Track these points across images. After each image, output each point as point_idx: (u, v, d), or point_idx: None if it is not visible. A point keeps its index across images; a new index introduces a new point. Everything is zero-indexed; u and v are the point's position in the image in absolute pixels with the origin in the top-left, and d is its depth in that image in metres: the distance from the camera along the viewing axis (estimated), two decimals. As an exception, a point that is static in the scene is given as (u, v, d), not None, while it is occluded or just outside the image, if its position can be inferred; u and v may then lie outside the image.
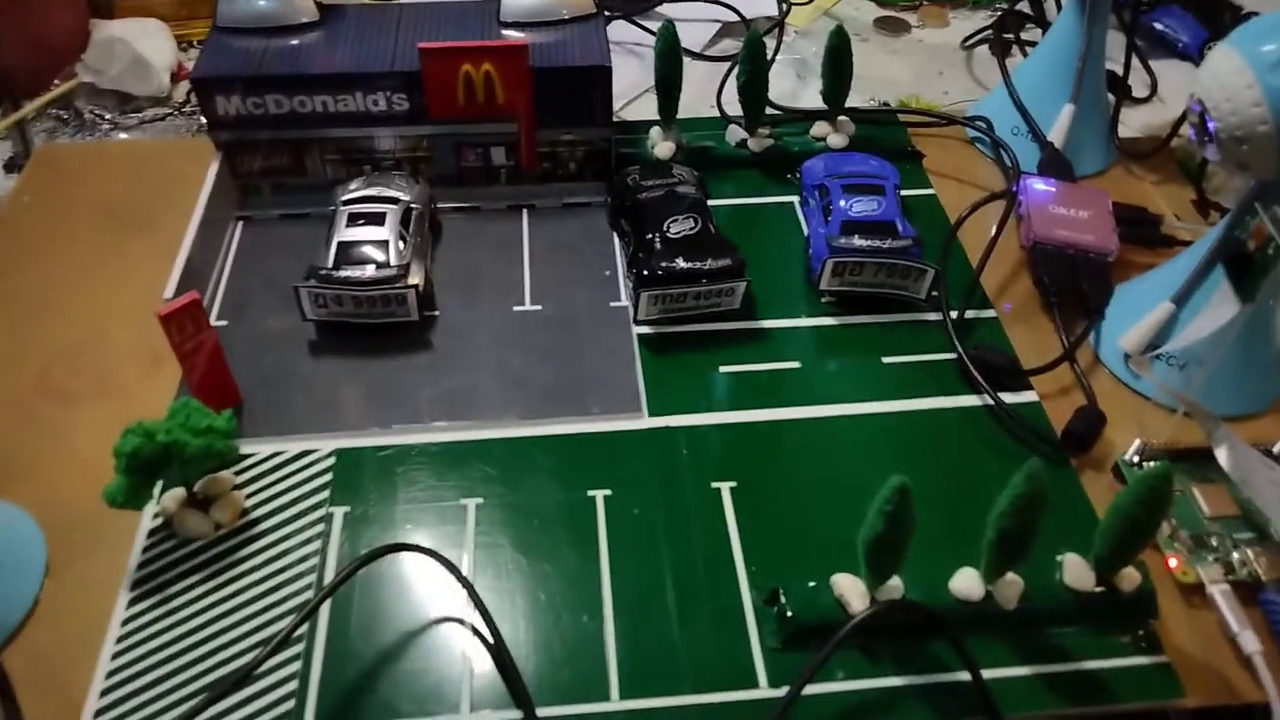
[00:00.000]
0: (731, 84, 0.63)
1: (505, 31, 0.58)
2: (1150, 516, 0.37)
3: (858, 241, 0.53)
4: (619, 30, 0.76)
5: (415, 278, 0.51)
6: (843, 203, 0.55)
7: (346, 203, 0.54)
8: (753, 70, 0.59)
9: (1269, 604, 0.41)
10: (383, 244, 0.51)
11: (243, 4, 0.57)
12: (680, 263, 0.51)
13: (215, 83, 0.54)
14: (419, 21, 0.58)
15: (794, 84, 0.75)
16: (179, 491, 0.43)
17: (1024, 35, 0.77)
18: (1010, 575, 0.40)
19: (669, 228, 0.53)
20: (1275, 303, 0.47)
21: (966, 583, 0.40)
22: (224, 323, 0.53)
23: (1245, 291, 0.41)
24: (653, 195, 0.56)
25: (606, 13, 0.73)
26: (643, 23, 0.76)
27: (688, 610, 0.41)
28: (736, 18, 0.79)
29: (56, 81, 0.71)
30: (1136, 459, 0.46)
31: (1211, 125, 0.41)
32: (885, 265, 0.53)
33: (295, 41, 0.57)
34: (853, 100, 0.63)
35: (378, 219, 0.52)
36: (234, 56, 0.55)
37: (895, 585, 0.39)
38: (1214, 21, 0.76)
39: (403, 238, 0.52)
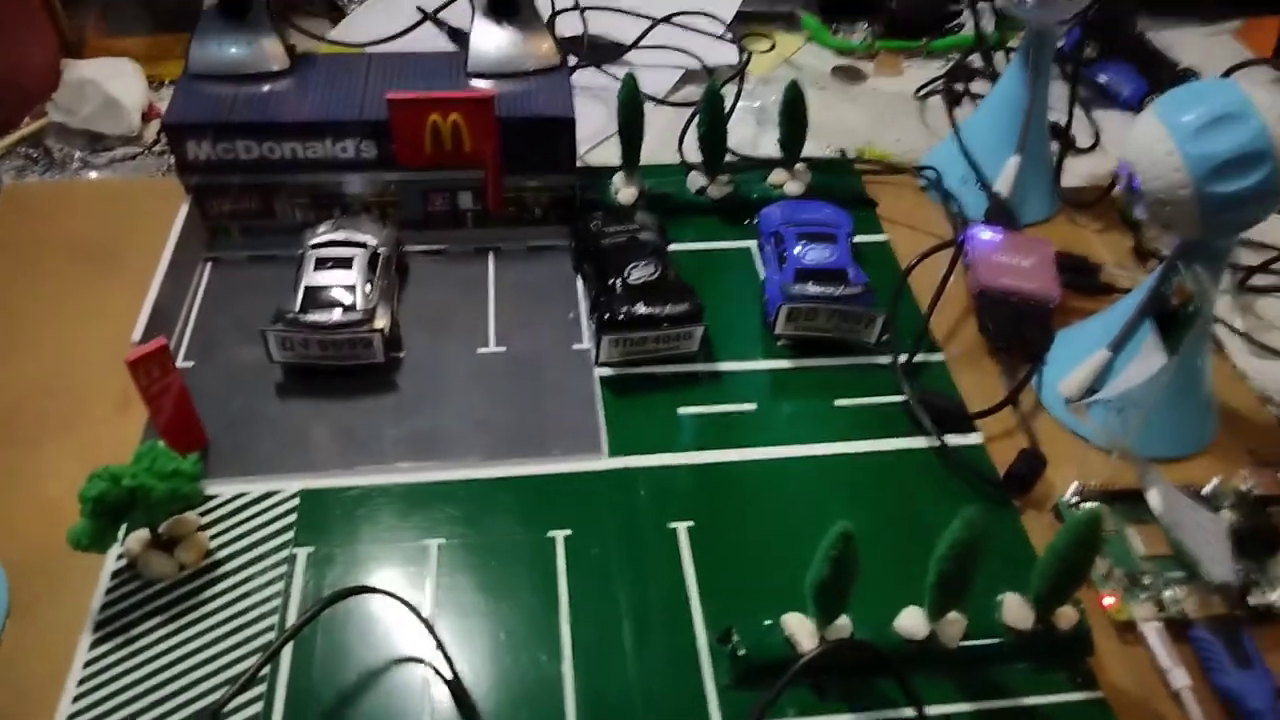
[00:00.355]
0: (693, 132, 0.65)
1: (473, 82, 0.60)
2: (1082, 557, 0.39)
3: (811, 289, 0.55)
4: (586, 76, 0.78)
5: (381, 321, 0.52)
6: (797, 250, 0.57)
7: (315, 246, 0.55)
8: (712, 120, 0.62)
9: (1199, 641, 0.43)
10: (349, 288, 0.53)
11: (215, 51, 0.58)
12: (641, 308, 0.53)
13: (186, 129, 0.55)
14: (388, 71, 0.60)
15: (754, 130, 0.77)
16: (143, 533, 0.44)
17: (974, 87, 0.80)
18: (953, 614, 0.42)
19: (630, 273, 0.55)
20: (1202, 353, 0.49)
21: (911, 621, 0.42)
22: (191, 363, 0.53)
23: (1171, 344, 0.44)
24: (615, 241, 0.58)
25: (575, 61, 0.76)
26: (609, 70, 0.79)
27: (644, 648, 0.42)
28: (699, 65, 0.81)
29: (26, 120, 0.72)
30: (1075, 500, 0.48)
31: (1137, 186, 0.44)
32: (838, 311, 0.55)
33: (266, 88, 0.58)
34: (810, 147, 0.66)
35: (345, 263, 0.54)
36: (205, 102, 0.56)
37: (843, 624, 0.41)
38: (1154, 76, 0.79)
39: (369, 281, 0.53)
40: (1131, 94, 0.80)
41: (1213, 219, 0.43)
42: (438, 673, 0.41)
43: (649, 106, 0.76)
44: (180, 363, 0.53)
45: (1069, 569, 0.39)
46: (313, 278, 0.53)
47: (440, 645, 0.41)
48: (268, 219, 0.60)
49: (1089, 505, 0.48)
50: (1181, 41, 0.89)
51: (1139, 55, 0.82)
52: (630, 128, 0.61)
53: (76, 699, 0.40)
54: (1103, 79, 0.81)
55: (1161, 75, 0.79)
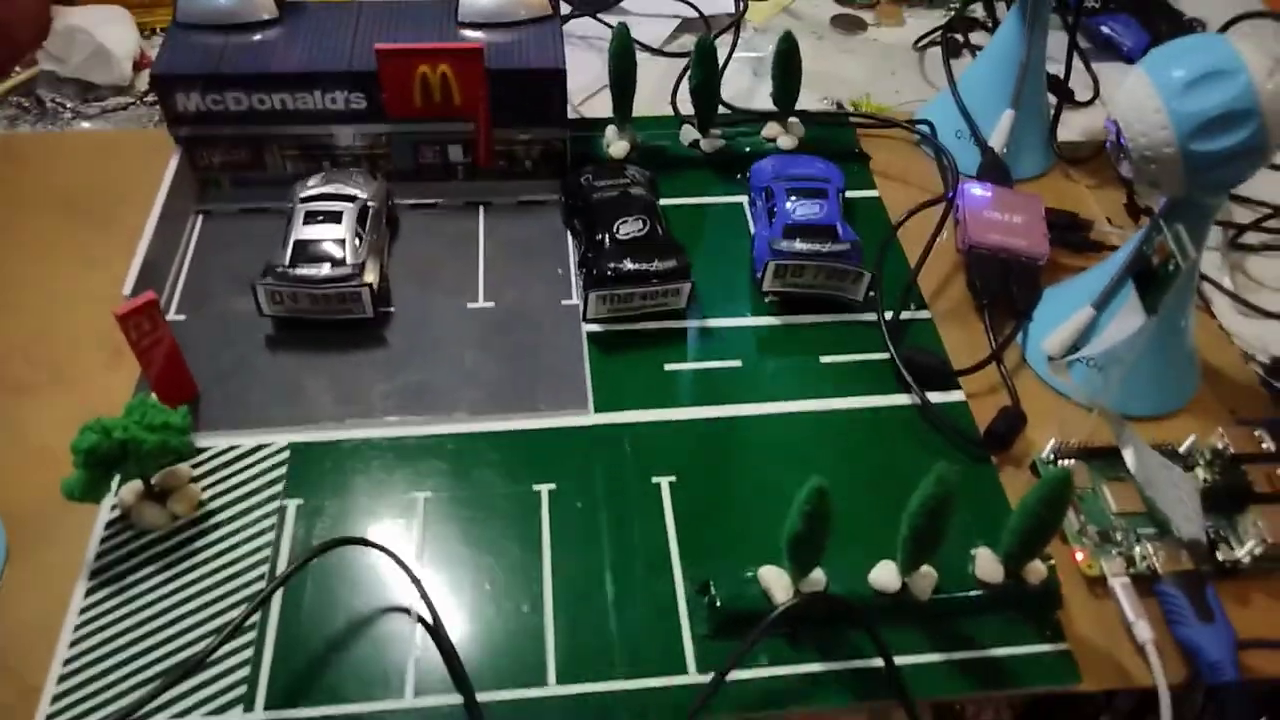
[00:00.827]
0: (686, 83, 0.64)
1: (463, 31, 0.59)
2: (1052, 515, 0.40)
3: (798, 245, 0.55)
4: (581, 25, 0.77)
5: (370, 275, 0.53)
6: (787, 205, 0.57)
7: (304, 200, 0.55)
8: (704, 75, 0.61)
9: (1164, 595, 0.44)
10: (339, 242, 0.53)
11: (203, 0, 0.58)
12: (628, 264, 0.53)
13: (175, 80, 0.55)
14: (378, 20, 0.59)
15: (750, 81, 0.76)
16: (137, 484, 0.45)
17: (974, 38, 0.79)
18: (925, 568, 0.42)
19: (619, 229, 0.55)
20: (1184, 311, 0.49)
21: (885, 575, 0.43)
22: (182, 316, 0.54)
23: (1150, 303, 0.44)
24: (605, 196, 0.58)
25: (570, 8, 0.75)
26: (604, 19, 0.77)
27: (624, 600, 0.44)
28: (696, 14, 0.80)
29: (17, 69, 0.72)
30: (1052, 457, 0.49)
31: (1125, 144, 0.44)
32: (824, 268, 0.55)
33: (255, 38, 0.58)
34: (806, 99, 0.65)
35: (335, 217, 0.54)
36: (194, 53, 0.56)
37: (818, 578, 0.42)
38: (1158, 27, 0.78)
39: (359, 236, 0.54)
40: (1134, 46, 0.79)
41: (1198, 177, 0.43)
42: (423, 622, 0.42)
43: (644, 56, 0.76)
44: (171, 315, 0.54)
45: (1038, 526, 0.40)
46: (302, 231, 0.53)
47: (425, 595, 0.42)
48: (258, 171, 0.60)
49: (1065, 463, 0.49)
50: (1188, -10, 0.87)
51: (1143, 5, 0.80)
52: (622, 81, 0.61)
53: (73, 644, 0.41)
54: (1106, 29, 0.80)
55: (1166, 26, 0.78)
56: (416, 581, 0.42)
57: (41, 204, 0.61)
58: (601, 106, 0.72)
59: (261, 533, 0.45)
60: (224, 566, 0.44)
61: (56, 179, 0.62)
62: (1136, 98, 0.42)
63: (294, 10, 0.60)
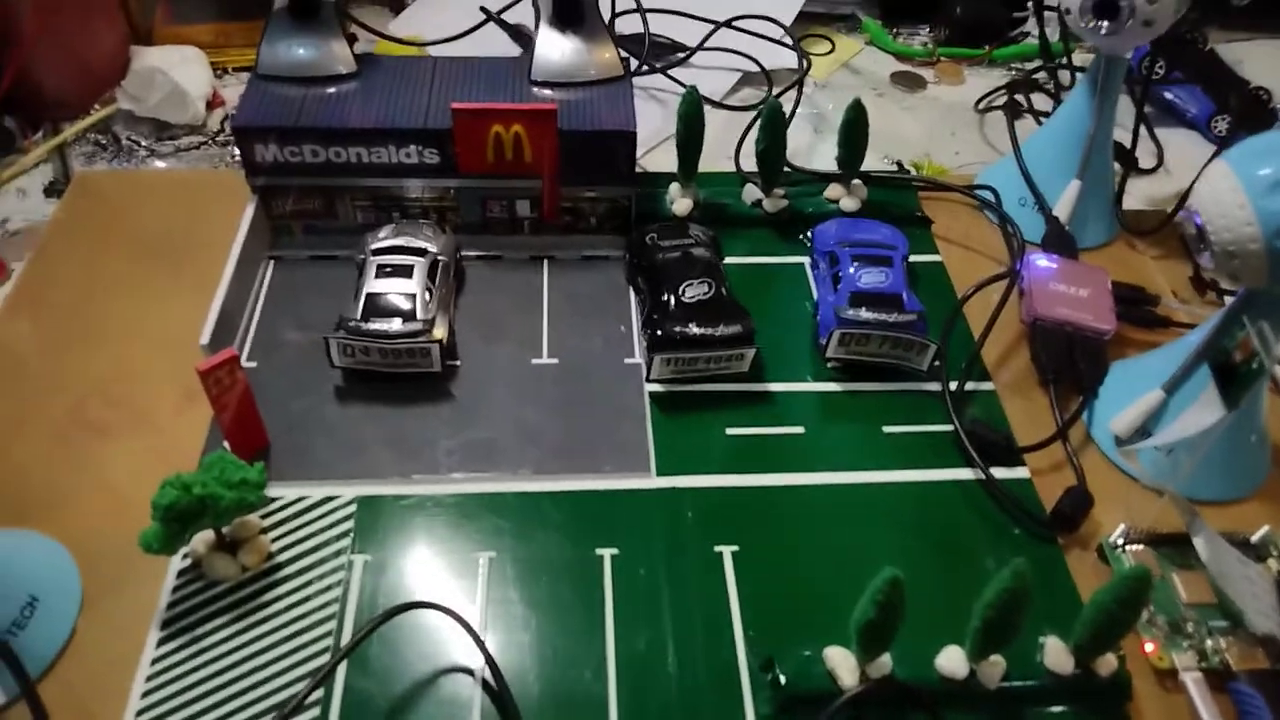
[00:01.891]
0: (750, 140, 0.65)
1: (535, 90, 0.60)
2: (1127, 614, 0.39)
3: (864, 314, 0.55)
4: (644, 78, 0.78)
5: (439, 331, 0.53)
6: (852, 271, 0.57)
7: (376, 252, 0.56)
8: (771, 138, 0.62)
9: (1239, 694, 0.43)
10: (410, 296, 0.54)
11: (283, 53, 0.59)
12: (693, 328, 0.54)
13: (255, 131, 0.56)
14: (452, 76, 0.60)
15: (811, 138, 0.77)
16: (208, 534, 0.46)
17: (1036, 101, 0.79)
18: (994, 656, 0.42)
19: (684, 291, 0.55)
20: (1259, 400, 0.49)
21: (952, 661, 0.42)
22: (254, 364, 0.55)
23: (1231, 400, 0.43)
24: (669, 256, 0.58)
25: (646, 65, 0.76)
26: (671, 73, 0.78)
27: (687, 672, 0.44)
28: (757, 68, 0.81)
29: (96, 106, 0.74)
30: (1120, 542, 0.48)
31: (1209, 237, 0.43)
32: (890, 338, 0.55)
33: (332, 91, 0.59)
34: (868, 158, 0.65)
35: (405, 271, 0.55)
36: (273, 105, 0.57)
37: (884, 661, 0.42)
38: (1223, 94, 0.78)
39: (429, 290, 0.54)
40: (1199, 113, 0.79)
41: (1281, 273, 0.42)
42: (487, 685, 0.42)
43: (705, 110, 0.76)
44: (244, 362, 0.55)
45: (1113, 623, 0.39)
46: (374, 285, 0.54)
47: (490, 660, 0.42)
48: (329, 219, 0.61)
49: (1134, 548, 0.48)
50: (1254, 56, 0.87)
51: (1208, 72, 0.80)
52: (689, 141, 0.62)
53: (145, 694, 0.42)
54: (1170, 95, 0.80)
55: (1231, 94, 0.78)
56: (482, 647, 0.43)
57: (118, 241, 0.62)
58: (663, 159, 0.73)
59: (329, 587, 0.46)
60: (292, 621, 0.44)
61: (132, 217, 0.64)
62: (1220, 192, 0.42)
63: (370, 64, 0.61)
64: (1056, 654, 0.43)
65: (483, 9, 0.73)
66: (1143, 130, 0.73)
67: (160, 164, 0.71)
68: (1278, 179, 0.41)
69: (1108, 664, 0.43)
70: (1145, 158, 0.75)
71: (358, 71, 0.60)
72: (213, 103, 0.75)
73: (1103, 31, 0.57)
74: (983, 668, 0.42)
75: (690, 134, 0.61)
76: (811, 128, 0.78)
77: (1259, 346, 0.42)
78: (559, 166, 0.58)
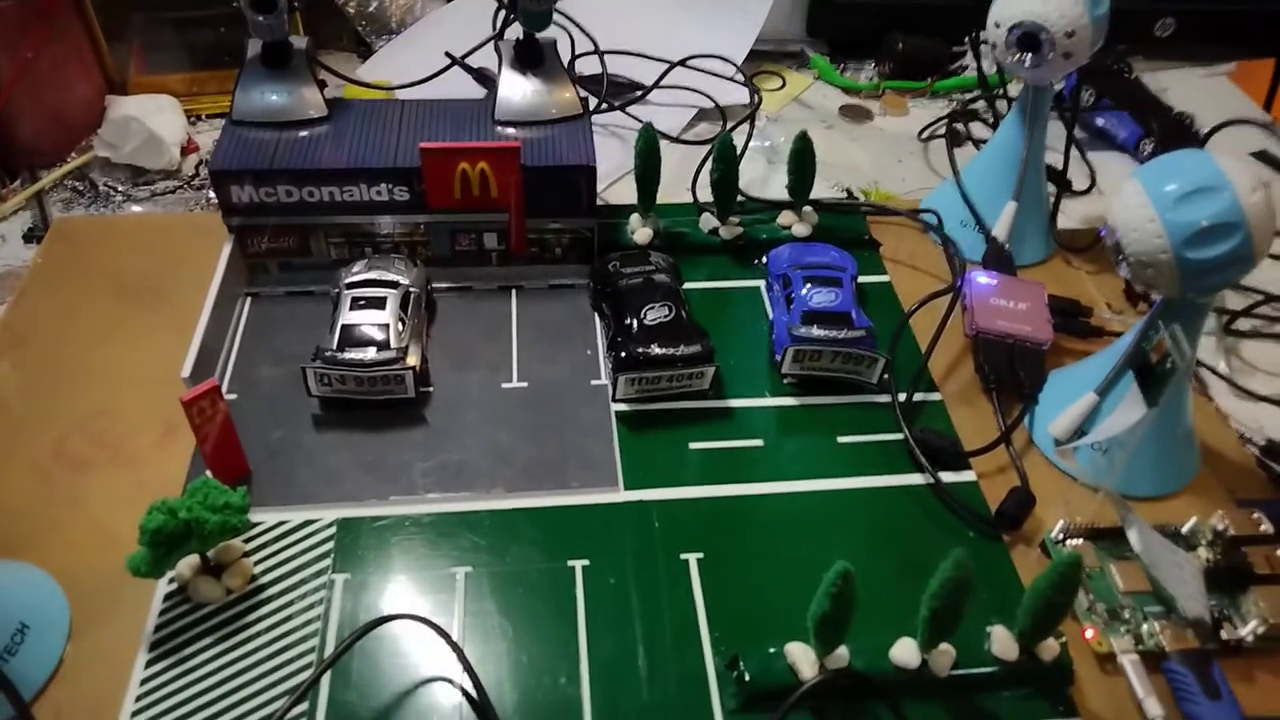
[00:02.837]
0: (706, 172, 0.68)
1: (499, 129, 0.63)
2: (1063, 598, 0.42)
3: (816, 331, 0.58)
4: (603, 115, 0.82)
5: (413, 358, 0.56)
6: (804, 292, 0.61)
7: (350, 285, 0.58)
8: (724, 169, 0.65)
9: (1172, 673, 0.46)
10: (383, 326, 0.56)
11: (257, 99, 0.62)
12: (656, 349, 0.57)
13: (231, 174, 0.59)
14: (419, 117, 0.63)
15: (764, 169, 0.81)
16: (193, 558, 0.48)
17: (974, 129, 0.84)
18: (944, 645, 0.45)
19: (646, 314, 0.58)
20: (1183, 400, 0.52)
21: (905, 652, 0.45)
22: (234, 395, 0.57)
23: (1150, 397, 0.47)
24: (631, 283, 0.61)
25: (605, 104, 0.79)
26: (630, 110, 0.82)
27: (656, 674, 0.46)
28: (711, 104, 0.84)
29: (73, 154, 0.76)
30: (1061, 537, 0.52)
31: (1123, 248, 0.47)
32: (841, 353, 0.58)
33: (304, 134, 0.61)
34: (818, 186, 0.69)
35: (379, 303, 0.57)
36: (248, 148, 0.60)
37: (842, 654, 0.44)
38: (1149, 120, 0.83)
39: (402, 320, 0.57)
40: (1128, 137, 0.83)
41: (1191, 281, 0.46)
42: (465, 694, 0.44)
43: (663, 144, 0.80)
44: (225, 395, 0.57)
45: (1050, 608, 0.42)
46: (349, 316, 0.56)
47: (468, 667, 0.44)
48: (304, 256, 0.63)
49: (1073, 543, 0.51)
50: (1178, 83, 0.92)
51: (1135, 99, 0.85)
52: (647, 175, 0.65)
53: (135, 714, 0.43)
54: (1100, 122, 0.85)
55: (1157, 120, 0.82)
56: (461, 655, 0.45)
57: (97, 284, 0.64)
58: (624, 191, 0.76)
59: (311, 606, 0.47)
60: (277, 639, 0.46)
61: (109, 260, 0.66)
62: (1132, 207, 0.46)
63: (341, 108, 0.64)
64: (1003, 642, 0.45)
65: (447, 54, 0.76)
66: (1076, 154, 0.78)
67: (137, 208, 0.73)
68: (1182, 194, 0.45)
69: (1050, 649, 0.45)
70: (1079, 179, 0.79)
71: (329, 115, 0.63)
72: (187, 148, 0.77)
73: (1026, 64, 0.62)
74: (934, 657, 0.45)
75: (647, 167, 0.65)
76: (765, 159, 0.82)
77: (1172, 348, 0.46)
78: (524, 201, 0.61)
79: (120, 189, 0.74)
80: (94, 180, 0.74)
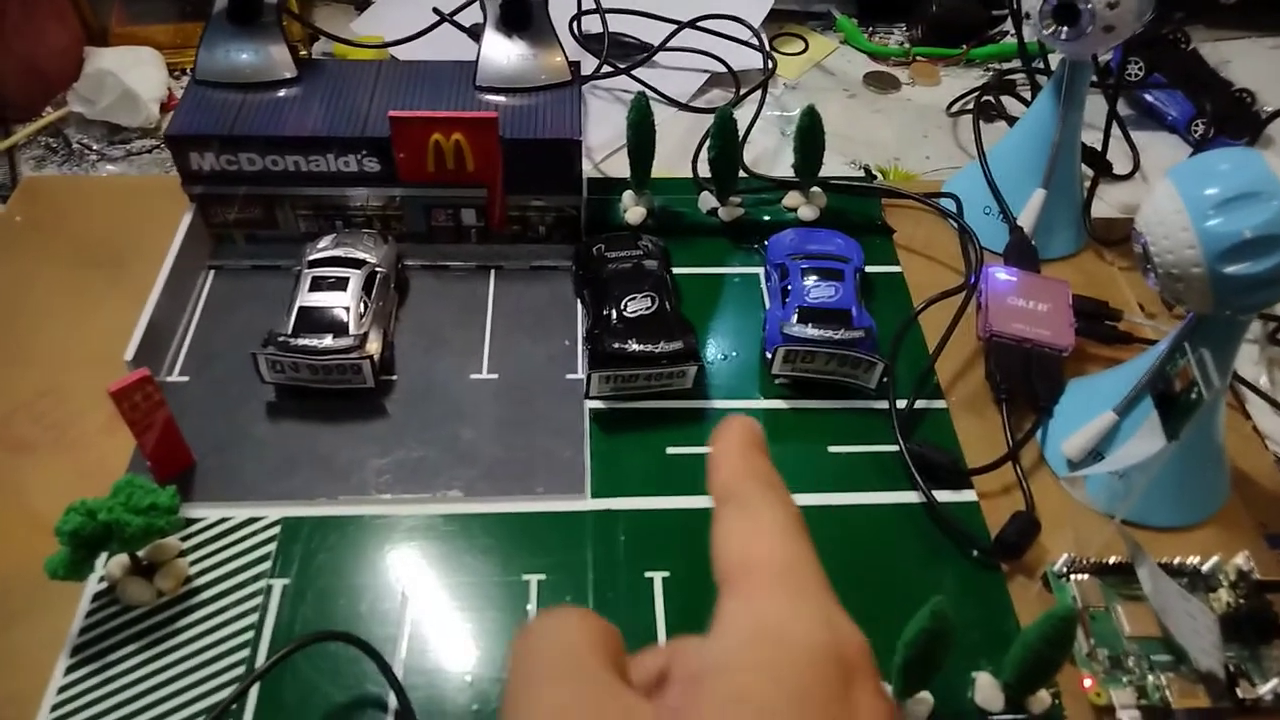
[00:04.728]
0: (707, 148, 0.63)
1: (480, 96, 0.59)
2: (1054, 653, 0.38)
3: (810, 331, 0.53)
4: (609, 79, 0.76)
5: (373, 346, 0.52)
6: (802, 285, 0.56)
7: (313, 264, 0.55)
8: (723, 145, 0.60)
9: (1177, 733, 0.42)
10: (344, 310, 0.52)
11: (222, 57, 0.58)
12: (633, 344, 0.52)
13: (191, 140, 0.55)
14: (396, 81, 0.59)
15: (777, 141, 0.75)
16: (124, 557, 0.45)
17: (1010, 107, 0.77)
18: (922, 693, 0.41)
19: (626, 306, 0.54)
20: (1212, 428, 0.47)
21: (878, 698, 0.41)
22: (186, 378, 0.54)
23: (1171, 429, 0.42)
24: (617, 269, 0.57)
25: (608, 64, 0.74)
26: (636, 74, 0.76)
27: (607, 705, 0.42)
28: (725, 69, 0.79)
29: (48, 109, 0.72)
30: (1065, 571, 0.47)
31: (1152, 257, 0.42)
32: (836, 355, 0.53)
33: (272, 96, 0.57)
34: (833, 162, 0.63)
35: (341, 284, 0.53)
36: (210, 112, 0.56)
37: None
38: (1204, 97, 0.75)
39: (364, 303, 0.53)
40: (1179, 116, 0.77)
41: (1227, 299, 0.41)
42: (399, 717, 0.41)
43: (670, 112, 0.75)
44: (175, 377, 0.54)
45: (1041, 662, 0.38)
46: (307, 298, 0.53)
47: (401, 693, 0.41)
48: (271, 228, 0.59)
49: (1079, 578, 0.47)
50: (1241, 55, 0.84)
51: (1189, 74, 0.77)
52: (640, 149, 0.60)
53: (49, 724, 0.41)
54: (1150, 99, 0.78)
55: (1213, 98, 0.75)
56: (394, 680, 0.41)
57: (59, 249, 0.61)
58: (623, 163, 0.71)
59: (246, 613, 0.44)
60: (207, 648, 0.43)
61: (75, 224, 0.63)
62: (1163, 212, 0.40)
63: (312, 69, 0.59)
64: (987, 690, 0.41)
65: (435, 10, 0.71)
66: (1119, 133, 0.71)
67: (111, 168, 0.70)
68: (1223, 199, 0.39)
69: (1041, 701, 0.41)
70: (1121, 162, 0.73)
71: (299, 76, 0.58)
72: (167, 105, 0.74)
73: (1063, 37, 0.55)
74: (909, 705, 0.41)
75: (641, 141, 0.60)
76: (779, 131, 0.76)
77: (1198, 376, 0.40)
78: (504, 175, 0.57)
79: (95, 147, 0.71)
80: (68, 137, 0.71)
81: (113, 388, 0.44)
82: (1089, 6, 0.53)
